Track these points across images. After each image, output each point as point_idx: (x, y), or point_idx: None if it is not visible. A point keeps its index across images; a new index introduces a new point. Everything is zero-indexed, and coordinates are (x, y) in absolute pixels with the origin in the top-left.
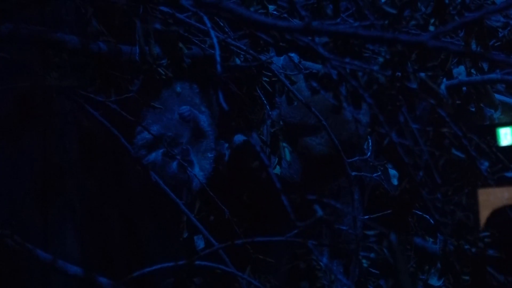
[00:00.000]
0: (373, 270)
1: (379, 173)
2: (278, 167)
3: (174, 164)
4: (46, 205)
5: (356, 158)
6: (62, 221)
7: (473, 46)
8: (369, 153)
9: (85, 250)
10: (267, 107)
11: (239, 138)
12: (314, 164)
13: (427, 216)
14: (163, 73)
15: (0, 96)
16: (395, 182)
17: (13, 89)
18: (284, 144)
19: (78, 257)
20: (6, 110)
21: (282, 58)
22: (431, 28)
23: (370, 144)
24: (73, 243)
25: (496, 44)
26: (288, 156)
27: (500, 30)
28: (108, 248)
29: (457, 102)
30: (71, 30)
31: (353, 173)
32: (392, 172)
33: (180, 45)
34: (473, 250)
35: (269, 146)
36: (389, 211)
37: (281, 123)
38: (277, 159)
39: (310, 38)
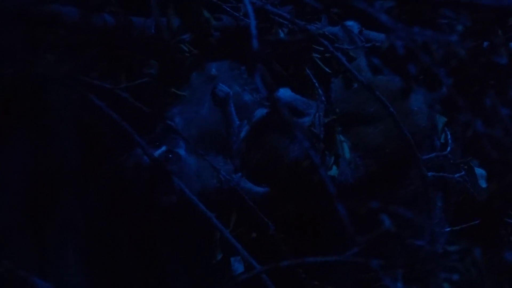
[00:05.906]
0: None
1: (462, 173)
2: (334, 167)
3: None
4: (41, 222)
5: (433, 154)
6: (62, 242)
7: None
8: (449, 148)
9: (90, 278)
10: (320, 90)
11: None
12: (374, 161)
13: None
14: (187, 50)
15: None
16: (483, 184)
17: None
18: (342, 138)
19: (82, 285)
20: None
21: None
22: None
23: (449, 137)
24: (75, 268)
25: None
26: (347, 153)
27: None
28: (120, 274)
29: None
30: (69, 0)
31: (430, 174)
32: (479, 171)
33: (206, 14)
34: None
35: (323, 141)
36: (476, 221)
37: (337, 110)
38: (333, 157)
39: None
